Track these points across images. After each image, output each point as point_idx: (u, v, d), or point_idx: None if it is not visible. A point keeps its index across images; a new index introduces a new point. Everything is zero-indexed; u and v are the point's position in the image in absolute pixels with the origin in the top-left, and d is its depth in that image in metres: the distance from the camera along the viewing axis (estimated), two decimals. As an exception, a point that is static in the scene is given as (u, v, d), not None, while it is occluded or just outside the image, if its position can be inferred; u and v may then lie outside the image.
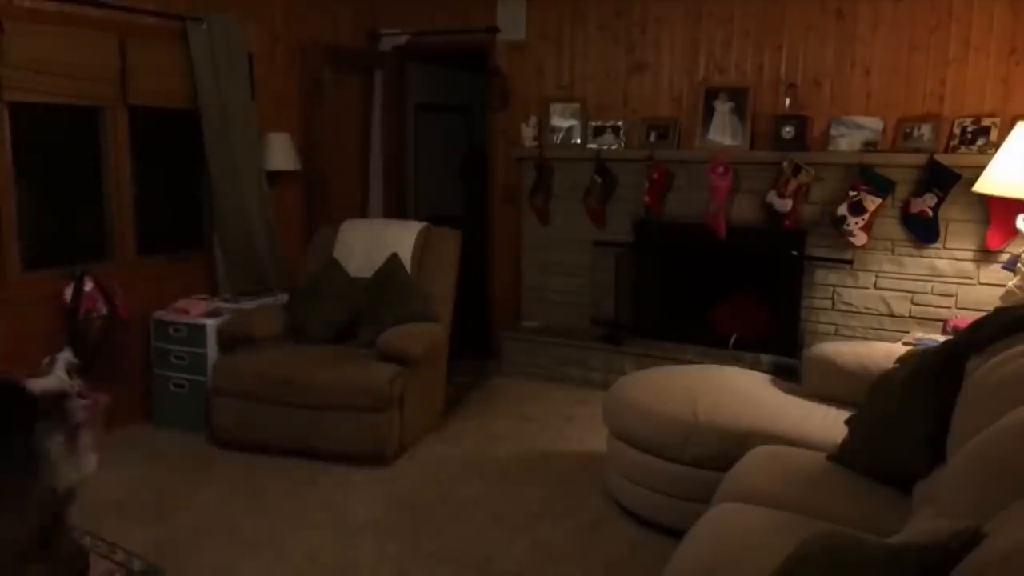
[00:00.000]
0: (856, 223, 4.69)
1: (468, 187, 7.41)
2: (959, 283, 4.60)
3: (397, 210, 6.42)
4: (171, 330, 4.58)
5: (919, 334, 4.26)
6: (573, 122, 5.64)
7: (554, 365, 5.60)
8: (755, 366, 4.65)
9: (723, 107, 5.13)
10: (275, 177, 5.33)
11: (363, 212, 6.23)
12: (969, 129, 4.52)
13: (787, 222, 4.88)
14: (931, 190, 4.53)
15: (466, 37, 5.94)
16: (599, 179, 5.43)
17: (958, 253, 4.58)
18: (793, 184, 4.81)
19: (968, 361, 2.55)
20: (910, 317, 4.74)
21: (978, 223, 4.50)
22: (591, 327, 5.59)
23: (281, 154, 5.34)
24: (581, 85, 5.64)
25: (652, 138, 5.37)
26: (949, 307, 4.63)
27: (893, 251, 4.74)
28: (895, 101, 4.74)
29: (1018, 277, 3.91)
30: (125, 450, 4.30)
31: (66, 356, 3.90)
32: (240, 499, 3.76)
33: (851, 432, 2.80)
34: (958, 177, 4.44)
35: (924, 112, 4.66)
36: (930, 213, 4.56)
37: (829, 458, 2.80)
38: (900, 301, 4.77)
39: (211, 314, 4.62)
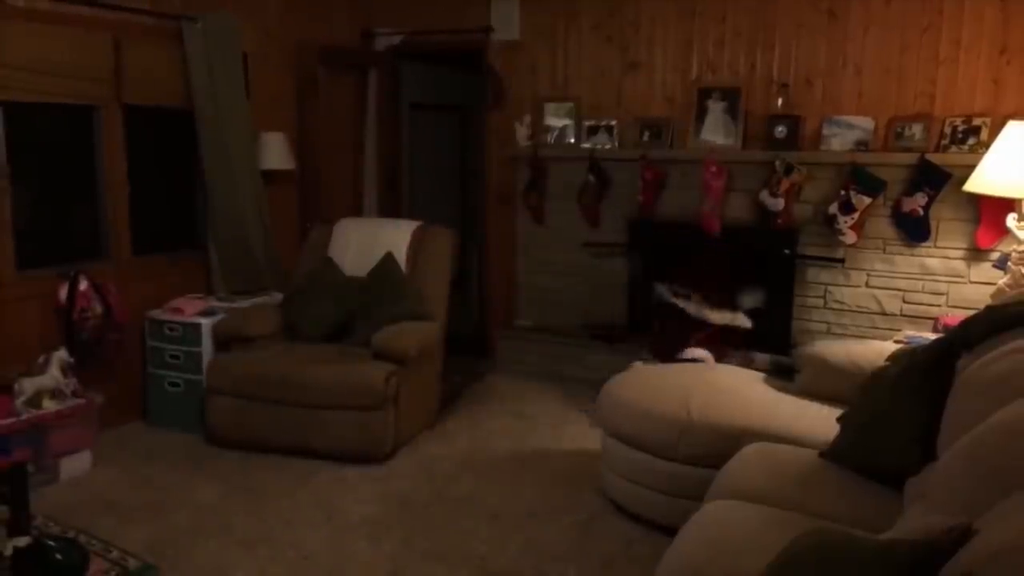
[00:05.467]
0: (846, 222, 4.72)
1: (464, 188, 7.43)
2: (950, 281, 4.63)
3: (391, 209, 6.42)
4: (166, 329, 4.59)
5: (910, 332, 4.29)
6: (567, 121, 5.65)
7: (548, 363, 5.62)
8: (754, 365, 4.67)
9: (716, 106, 5.15)
10: (270, 176, 5.34)
11: (358, 211, 6.23)
12: (960, 129, 4.55)
13: (779, 221, 4.91)
14: (922, 189, 4.56)
15: (460, 37, 5.94)
16: (593, 178, 5.44)
17: (949, 252, 4.61)
18: (785, 183, 4.84)
19: (959, 359, 2.58)
20: (901, 315, 4.77)
21: (968, 222, 4.53)
22: (584, 327, 5.60)
23: (276, 153, 5.34)
24: (575, 84, 5.65)
25: (646, 137, 5.38)
26: (940, 305, 4.66)
27: (884, 250, 4.77)
28: (886, 101, 4.76)
29: (1008, 275, 3.94)
30: (120, 449, 4.31)
31: (61, 355, 3.92)
32: (235, 498, 3.77)
33: (843, 429, 2.82)
34: (949, 176, 4.47)
35: (915, 112, 4.69)
36: (921, 212, 4.59)
37: (821, 455, 2.82)
38: (891, 299, 4.80)
39: (206, 313, 4.62)
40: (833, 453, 2.79)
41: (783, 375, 3.82)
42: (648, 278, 5.49)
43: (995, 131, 4.23)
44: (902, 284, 4.76)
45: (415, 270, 4.79)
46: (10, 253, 4.11)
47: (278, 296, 4.98)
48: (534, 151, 5.64)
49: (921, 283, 4.71)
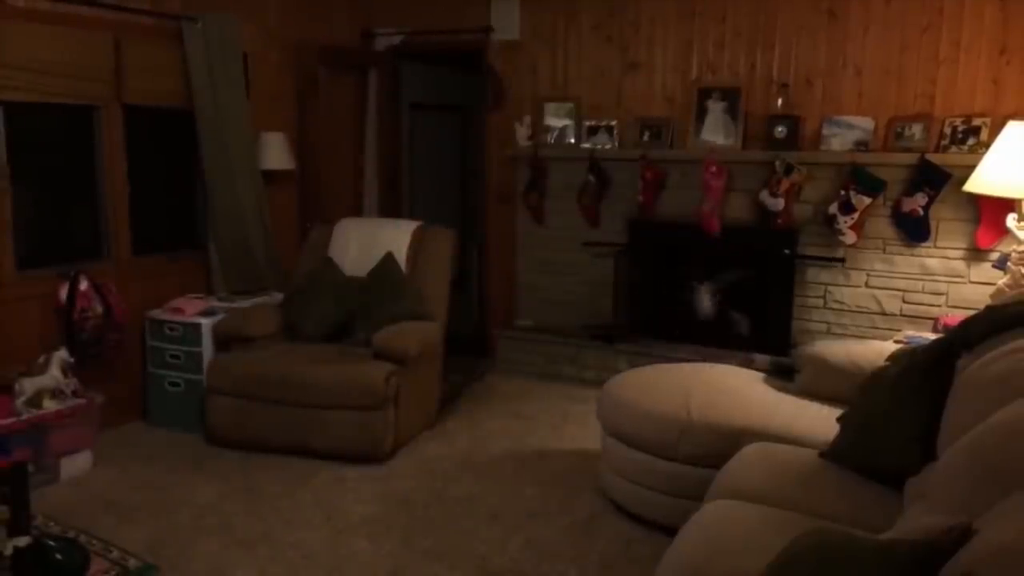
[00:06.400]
0: (846, 222, 4.72)
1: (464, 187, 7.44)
2: (950, 282, 4.63)
3: (391, 209, 6.43)
4: (166, 329, 4.59)
5: (910, 332, 4.29)
6: (567, 121, 5.65)
7: (548, 363, 5.62)
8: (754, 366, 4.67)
9: (716, 107, 5.15)
10: (270, 176, 5.34)
11: (358, 211, 6.23)
12: (960, 129, 4.55)
13: (779, 221, 4.91)
14: (922, 189, 4.56)
15: (460, 37, 5.95)
16: (593, 178, 5.45)
17: (949, 252, 4.61)
18: (785, 183, 4.84)
19: (959, 359, 2.58)
20: (901, 315, 4.77)
21: (968, 222, 4.53)
22: (584, 327, 5.60)
23: (276, 154, 5.34)
24: (575, 85, 5.66)
25: (646, 137, 5.39)
26: (940, 305, 4.66)
27: (884, 250, 4.78)
28: (886, 101, 4.77)
29: (1008, 276, 3.95)
30: (120, 449, 4.30)
31: (61, 355, 3.92)
32: (235, 497, 3.77)
33: (843, 429, 2.82)
34: (949, 176, 4.48)
35: (915, 112, 4.70)
36: (921, 212, 4.59)
37: (821, 455, 2.82)
38: (891, 299, 4.80)
39: (206, 313, 4.62)
40: (833, 453, 2.79)
41: (783, 375, 3.83)
42: (644, 278, 5.51)
43: (995, 131, 4.23)
44: (902, 284, 4.76)
45: (415, 270, 4.79)
46: (10, 253, 4.11)
47: (278, 296, 4.98)
48: (534, 151, 5.64)
49: (921, 283, 4.71)
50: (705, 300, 5.40)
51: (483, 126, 6.12)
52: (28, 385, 3.77)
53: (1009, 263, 3.98)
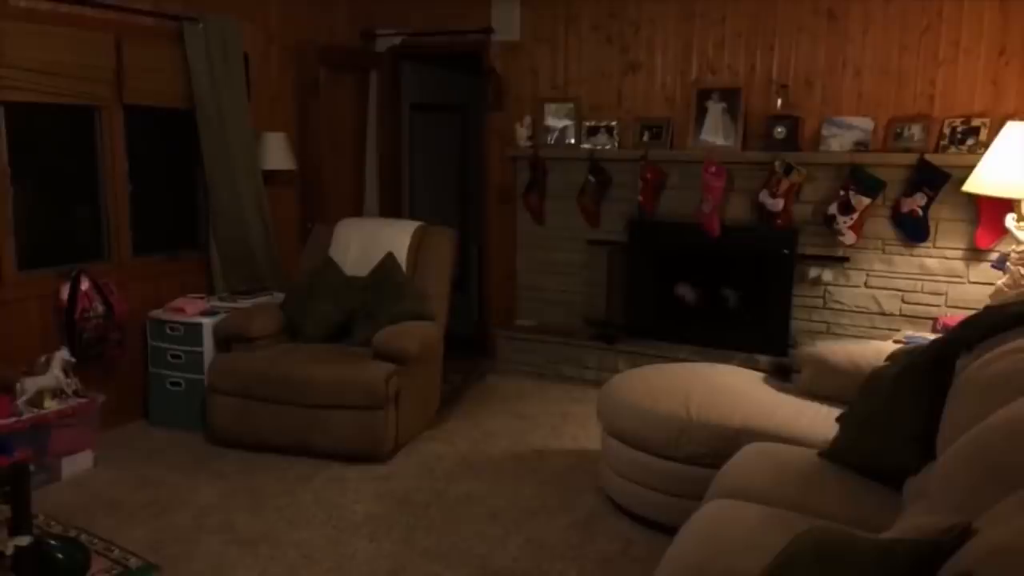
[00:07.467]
0: (845, 222, 4.73)
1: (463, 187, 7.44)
2: (949, 282, 4.64)
3: (392, 209, 6.44)
4: (167, 329, 4.59)
5: (909, 332, 4.30)
6: (567, 122, 5.66)
7: (548, 363, 5.63)
8: (757, 366, 4.68)
9: (716, 107, 5.16)
10: (271, 177, 5.34)
11: (359, 211, 6.24)
12: (959, 129, 4.56)
13: (779, 221, 4.92)
14: (921, 190, 4.57)
15: (461, 38, 5.95)
16: (593, 178, 5.45)
17: (948, 252, 4.62)
18: (785, 184, 4.85)
19: (958, 359, 2.59)
20: (900, 315, 4.78)
21: (967, 222, 4.54)
22: (584, 326, 5.61)
23: (277, 154, 5.35)
24: (575, 85, 5.66)
25: (645, 138, 5.39)
26: (939, 305, 4.67)
27: (884, 250, 4.79)
28: (886, 101, 4.77)
29: (1007, 276, 3.95)
30: (121, 448, 4.31)
31: (62, 355, 3.92)
32: (236, 497, 3.78)
33: (842, 429, 2.83)
34: (948, 177, 4.49)
35: (914, 112, 4.70)
36: (920, 212, 4.60)
37: (821, 455, 2.83)
38: (891, 300, 4.81)
39: (207, 313, 4.63)
40: (833, 453, 2.79)
41: (783, 375, 3.83)
42: (644, 278, 5.51)
43: (994, 132, 4.25)
44: (901, 284, 4.77)
45: (416, 270, 4.80)
46: (11, 253, 4.11)
47: (279, 296, 4.98)
48: (534, 151, 5.65)
49: (920, 283, 4.72)
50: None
51: (483, 126, 6.13)
52: (29, 385, 3.77)
53: (1008, 263, 3.99)
